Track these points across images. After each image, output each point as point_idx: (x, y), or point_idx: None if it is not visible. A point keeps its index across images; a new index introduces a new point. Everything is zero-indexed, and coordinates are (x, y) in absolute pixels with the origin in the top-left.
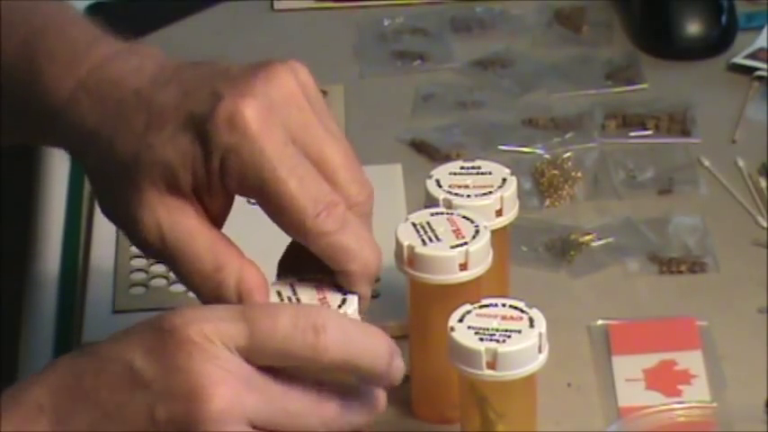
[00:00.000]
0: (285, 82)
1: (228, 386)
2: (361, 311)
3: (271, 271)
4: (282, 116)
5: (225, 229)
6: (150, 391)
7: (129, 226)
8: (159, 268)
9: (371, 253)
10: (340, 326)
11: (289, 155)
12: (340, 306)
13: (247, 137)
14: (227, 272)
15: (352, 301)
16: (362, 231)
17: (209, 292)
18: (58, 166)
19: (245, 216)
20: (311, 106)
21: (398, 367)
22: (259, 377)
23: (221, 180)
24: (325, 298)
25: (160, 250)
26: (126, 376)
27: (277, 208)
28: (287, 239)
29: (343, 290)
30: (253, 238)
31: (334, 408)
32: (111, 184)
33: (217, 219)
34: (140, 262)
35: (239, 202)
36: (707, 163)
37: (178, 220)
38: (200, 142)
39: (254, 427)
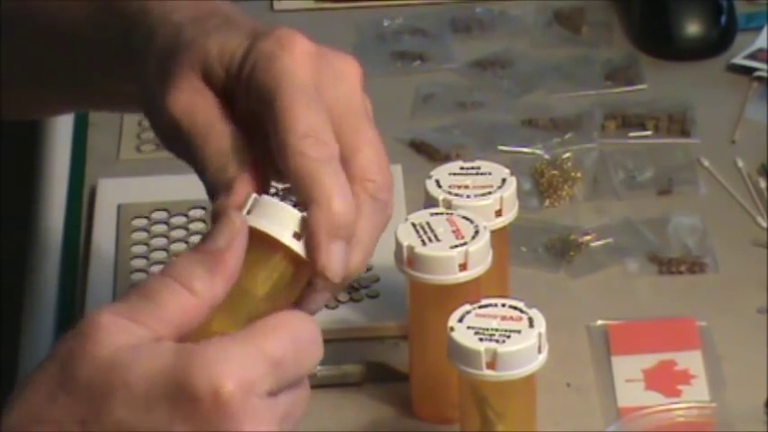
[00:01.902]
0: (353, 72)
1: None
2: (316, 303)
3: None
4: (333, 83)
5: None
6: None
7: (159, 103)
8: (159, 268)
9: (344, 207)
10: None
11: (312, 95)
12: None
13: (287, 53)
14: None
15: None
16: (345, 185)
17: (215, 183)
18: (58, 166)
19: None
20: (364, 105)
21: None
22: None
23: (246, 83)
24: None
25: (179, 130)
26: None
27: (274, 125)
28: None
29: None
30: None
31: None
32: (162, 64)
33: None
34: (140, 262)
35: None
36: (706, 163)
37: (203, 101)
38: (247, 46)
39: None
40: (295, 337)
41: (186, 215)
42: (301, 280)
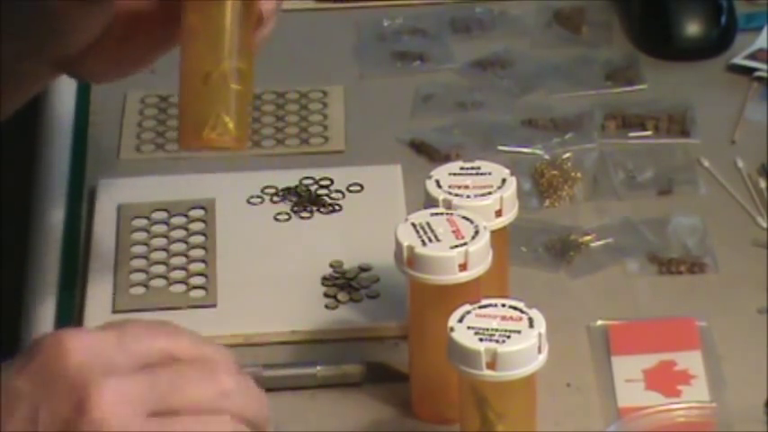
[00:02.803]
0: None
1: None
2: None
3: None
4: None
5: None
6: (32, 399)
7: None
8: (159, 268)
9: None
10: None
11: None
12: None
13: None
14: None
15: None
16: None
17: None
18: (58, 166)
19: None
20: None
21: None
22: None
23: None
24: None
25: None
26: (4, 394)
27: None
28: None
29: None
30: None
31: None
32: None
33: None
34: (140, 262)
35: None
36: (706, 163)
37: None
38: None
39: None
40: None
41: (186, 215)
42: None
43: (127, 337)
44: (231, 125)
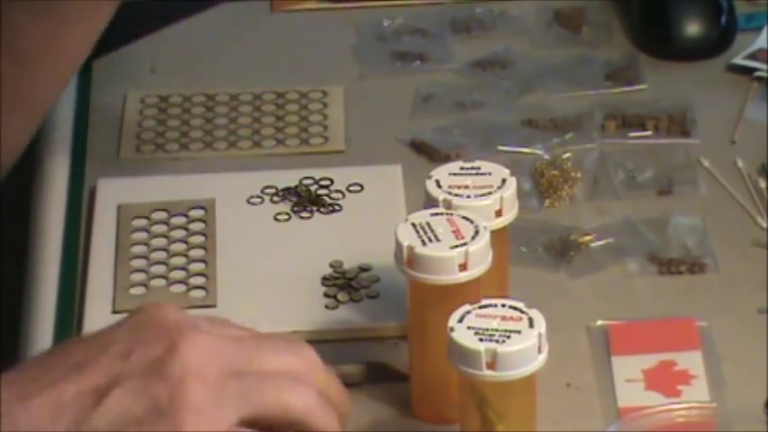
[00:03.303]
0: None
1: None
2: None
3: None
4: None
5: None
6: (126, 341)
7: None
8: (159, 269)
9: None
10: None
11: None
12: None
13: None
14: None
15: None
16: None
17: None
18: (58, 166)
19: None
20: None
21: None
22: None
23: None
24: None
25: None
26: (98, 337)
27: None
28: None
29: None
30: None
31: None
32: None
33: None
34: (140, 262)
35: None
36: (706, 163)
37: None
38: None
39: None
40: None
41: (186, 215)
42: None
43: (218, 320)
44: None
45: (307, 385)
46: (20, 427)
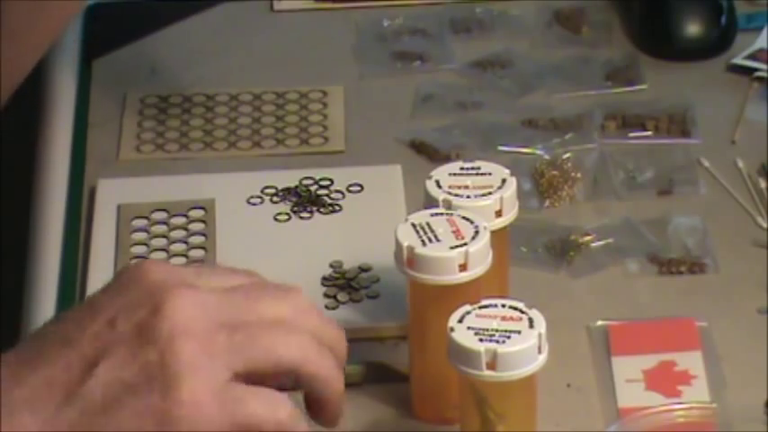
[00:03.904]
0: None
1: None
2: None
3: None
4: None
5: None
6: (112, 307)
7: None
8: None
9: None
10: None
11: None
12: None
13: None
14: None
15: None
16: None
17: None
18: (58, 166)
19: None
20: None
21: None
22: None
23: None
24: None
25: None
26: (86, 307)
27: None
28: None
29: None
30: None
31: None
32: None
33: None
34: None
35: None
36: (706, 164)
37: None
38: None
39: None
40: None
41: (186, 215)
42: None
43: (205, 269)
44: None
45: (299, 333)
46: (18, 407)
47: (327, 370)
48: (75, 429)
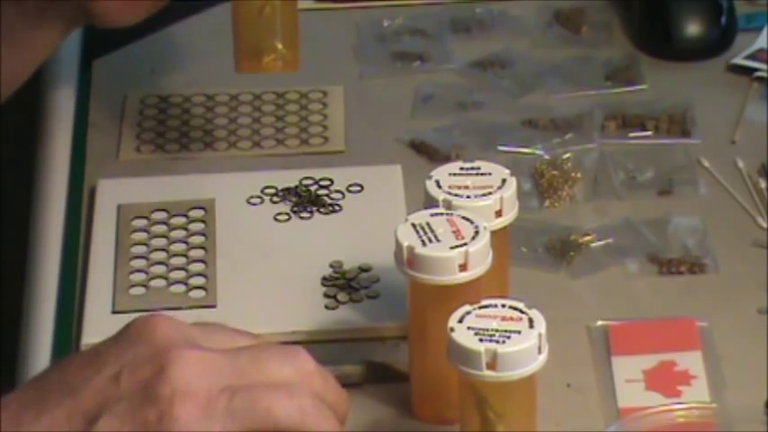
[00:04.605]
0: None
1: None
2: None
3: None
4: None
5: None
6: (117, 362)
7: None
8: (159, 269)
9: None
10: None
11: None
12: None
13: None
14: None
15: None
16: None
17: None
18: (58, 166)
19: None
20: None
21: None
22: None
23: None
24: None
25: None
26: (91, 357)
27: None
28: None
29: None
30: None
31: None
32: None
33: None
34: (140, 262)
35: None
36: (707, 164)
37: None
38: None
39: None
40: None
41: (186, 215)
42: None
43: (211, 328)
44: (285, 51)
45: (301, 395)
46: None
47: (328, 429)
48: None
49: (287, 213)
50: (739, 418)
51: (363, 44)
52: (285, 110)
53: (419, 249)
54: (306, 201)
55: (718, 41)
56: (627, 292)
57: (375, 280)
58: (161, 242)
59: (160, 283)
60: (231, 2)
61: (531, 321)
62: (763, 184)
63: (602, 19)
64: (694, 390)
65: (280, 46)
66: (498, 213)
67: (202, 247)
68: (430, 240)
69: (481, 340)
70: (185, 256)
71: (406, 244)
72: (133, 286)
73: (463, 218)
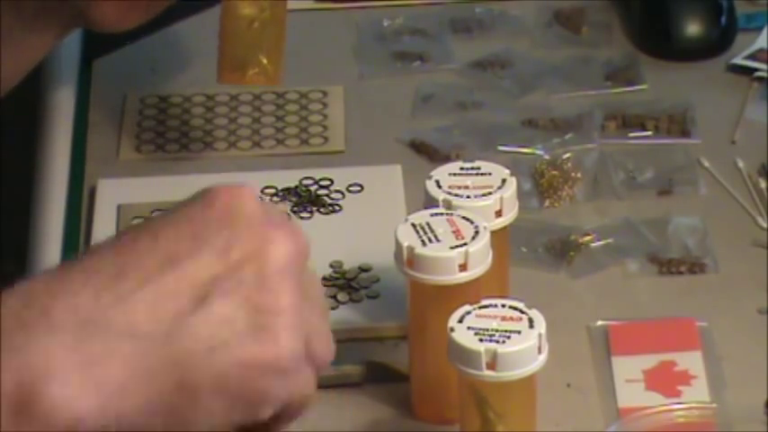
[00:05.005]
0: None
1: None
2: None
3: None
4: None
5: None
6: (218, 237)
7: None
8: None
9: None
10: None
11: None
12: None
13: None
14: None
15: None
16: None
17: None
18: (58, 166)
19: None
20: None
21: None
22: None
23: None
24: None
25: None
26: (184, 231)
27: None
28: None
29: None
30: None
31: None
32: None
33: None
34: None
35: None
36: (706, 164)
37: None
38: None
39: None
40: None
41: None
42: None
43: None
44: (268, 66)
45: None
46: (114, 330)
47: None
48: (178, 367)
49: (287, 213)
50: (739, 418)
51: (363, 44)
52: (285, 110)
53: (419, 249)
54: (306, 201)
55: (718, 41)
56: (627, 292)
57: (375, 280)
58: None
59: None
60: (220, 12)
61: (531, 321)
62: (763, 184)
63: (602, 19)
64: (694, 390)
65: (264, 60)
66: (498, 213)
67: None
68: (430, 240)
69: (481, 340)
70: None
71: (406, 244)
72: None
73: (463, 218)
